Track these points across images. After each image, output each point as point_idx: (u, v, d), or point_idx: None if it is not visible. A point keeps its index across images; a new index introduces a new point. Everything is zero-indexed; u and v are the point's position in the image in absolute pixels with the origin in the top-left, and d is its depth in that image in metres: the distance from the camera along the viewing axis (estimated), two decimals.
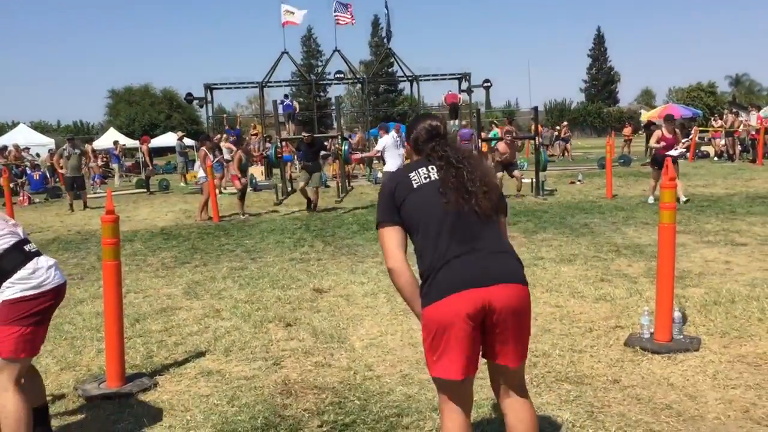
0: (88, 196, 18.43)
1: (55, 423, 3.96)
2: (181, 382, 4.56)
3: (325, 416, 3.88)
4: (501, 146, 14.47)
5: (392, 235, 2.72)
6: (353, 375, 4.52)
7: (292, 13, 26.07)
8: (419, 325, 5.37)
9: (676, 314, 4.81)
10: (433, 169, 2.73)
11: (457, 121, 23.05)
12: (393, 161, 11.88)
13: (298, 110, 27.08)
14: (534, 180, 15.12)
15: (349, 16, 27.12)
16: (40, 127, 57.53)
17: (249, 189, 15.32)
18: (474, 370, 2.63)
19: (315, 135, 14.51)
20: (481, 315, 2.54)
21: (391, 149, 12.02)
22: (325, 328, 5.61)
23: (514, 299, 2.57)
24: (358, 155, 18.01)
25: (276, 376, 4.57)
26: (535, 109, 16.90)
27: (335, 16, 27.16)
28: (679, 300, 5.66)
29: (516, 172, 14.52)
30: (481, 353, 2.69)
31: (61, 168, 16.76)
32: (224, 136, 22.53)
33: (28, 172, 24.02)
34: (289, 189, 16.14)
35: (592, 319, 5.47)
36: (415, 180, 2.72)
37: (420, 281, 2.69)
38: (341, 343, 5.22)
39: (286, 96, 26.71)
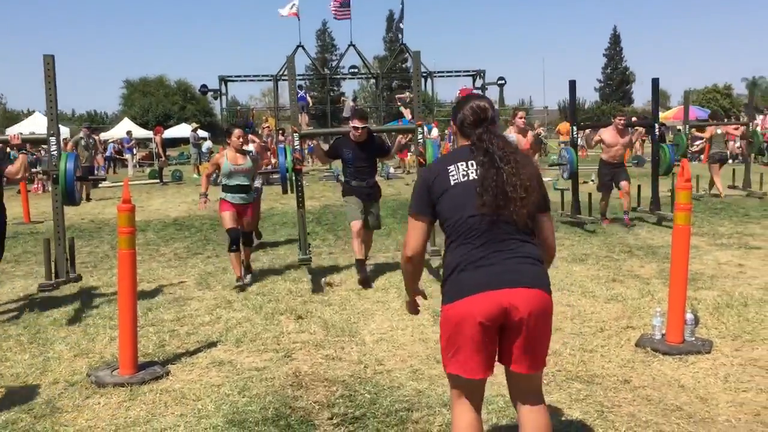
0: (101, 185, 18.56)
1: (67, 409, 4.01)
2: (192, 371, 4.59)
3: (335, 409, 3.90)
4: (607, 134, 10.09)
5: (420, 228, 2.74)
6: (364, 369, 4.54)
7: (291, 6, 25.87)
8: (430, 321, 5.40)
9: (689, 316, 4.79)
10: (472, 165, 2.65)
11: None
12: None
13: (311, 104, 27.03)
14: (651, 191, 10.97)
15: (341, 9, 26.56)
16: None
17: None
18: (489, 370, 2.63)
19: (372, 129, 7.57)
20: (500, 318, 2.53)
21: None
22: (336, 321, 5.63)
23: (534, 305, 2.55)
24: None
25: (287, 368, 4.60)
26: (655, 82, 10.78)
27: (332, 10, 26.78)
28: (692, 302, 5.64)
29: (624, 183, 10.08)
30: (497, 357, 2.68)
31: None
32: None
33: (44, 159, 24.19)
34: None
35: (603, 319, 5.46)
36: (453, 175, 2.66)
37: (441, 276, 2.72)
38: (352, 336, 5.24)
39: (300, 87, 26.64)
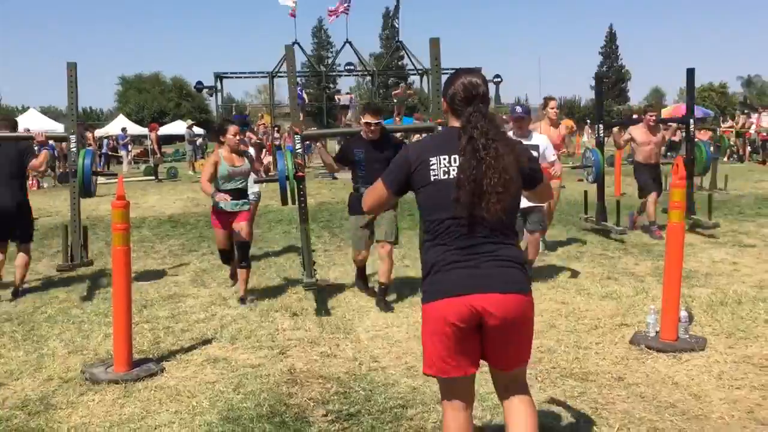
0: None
1: (61, 406, 4.00)
2: (187, 368, 4.59)
3: (330, 406, 3.90)
4: (638, 132, 9.09)
5: (384, 196, 2.83)
6: (358, 366, 4.54)
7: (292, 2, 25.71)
8: None
9: (683, 314, 4.81)
10: (455, 161, 2.58)
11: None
12: None
13: (307, 101, 26.96)
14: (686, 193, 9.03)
15: (341, 8, 26.43)
16: (50, 112, 57.67)
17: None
18: (471, 368, 2.64)
19: (385, 124, 6.52)
20: (473, 320, 2.53)
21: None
22: (331, 318, 5.63)
23: (508, 309, 2.53)
24: None
25: (282, 365, 4.60)
26: (690, 72, 9.36)
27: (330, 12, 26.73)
28: (686, 300, 5.66)
29: (654, 195, 9.04)
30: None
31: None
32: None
33: None
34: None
35: (597, 317, 5.48)
36: (434, 170, 2.61)
37: (422, 269, 2.73)
38: (347, 334, 5.24)
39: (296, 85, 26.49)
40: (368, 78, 38.87)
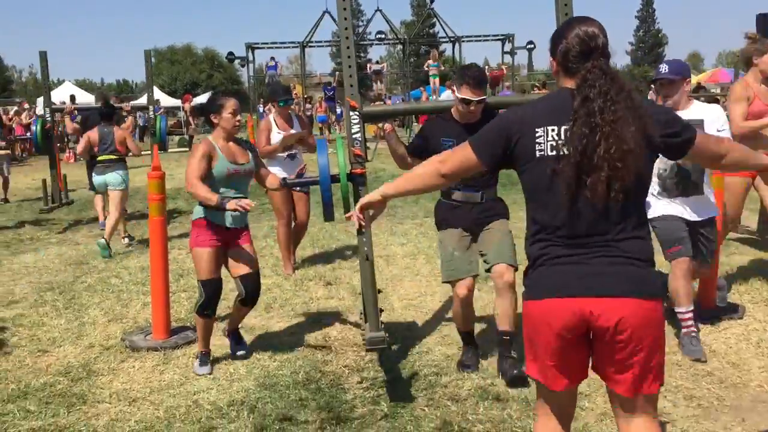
0: None
1: (103, 372, 4.10)
2: (224, 336, 4.66)
3: (364, 373, 3.95)
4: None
5: (468, 163, 2.32)
6: (393, 334, 4.56)
7: None
8: None
9: (720, 281, 4.73)
10: (566, 134, 2.11)
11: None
12: None
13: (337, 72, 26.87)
14: None
15: None
16: (85, 85, 58.36)
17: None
18: (576, 381, 2.26)
19: (494, 102, 4.36)
20: (581, 328, 2.13)
21: None
22: None
23: (624, 316, 2.07)
24: None
25: (317, 333, 4.65)
26: None
27: None
28: (724, 267, 5.56)
29: None
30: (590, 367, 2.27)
31: None
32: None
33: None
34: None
35: None
36: (539, 144, 2.15)
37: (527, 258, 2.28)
38: (381, 302, 5.26)
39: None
40: (399, 47, 38.52)
